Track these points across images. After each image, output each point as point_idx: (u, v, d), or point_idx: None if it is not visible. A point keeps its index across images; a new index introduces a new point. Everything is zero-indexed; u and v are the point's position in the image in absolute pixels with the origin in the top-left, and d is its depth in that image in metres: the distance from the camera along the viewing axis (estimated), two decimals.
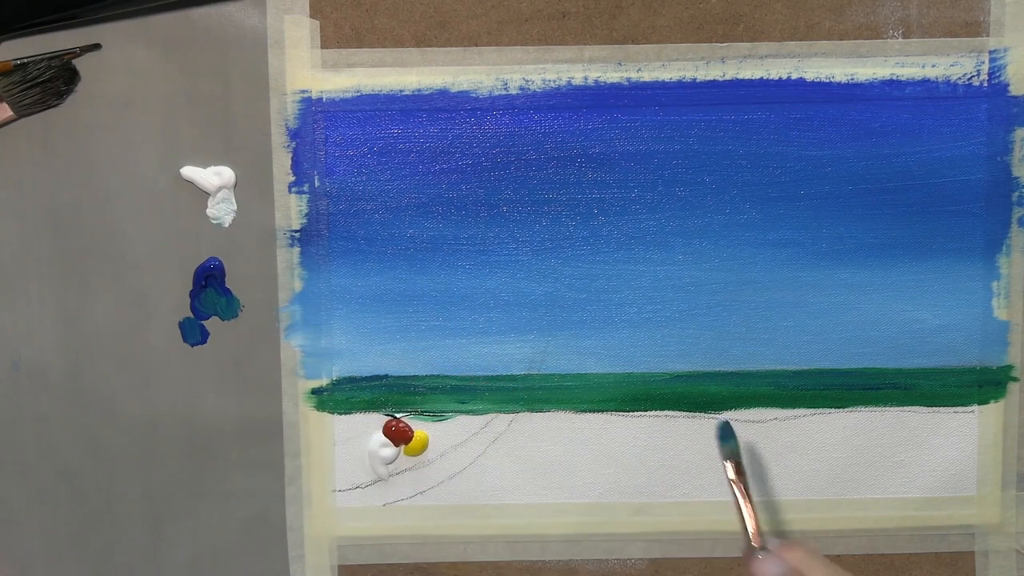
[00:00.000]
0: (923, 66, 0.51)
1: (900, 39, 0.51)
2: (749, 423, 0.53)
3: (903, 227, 0.52)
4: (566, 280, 0.52)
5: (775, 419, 0.53)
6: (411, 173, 0.52)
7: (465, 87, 0.51)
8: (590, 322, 0.52)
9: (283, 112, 0.51)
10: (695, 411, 0.53)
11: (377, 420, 0.53)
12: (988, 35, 0.51)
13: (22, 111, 0.51)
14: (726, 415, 0.52)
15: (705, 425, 0.53)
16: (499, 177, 0.52)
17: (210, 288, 0.52)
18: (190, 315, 0.52)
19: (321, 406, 0.53)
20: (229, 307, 0.52)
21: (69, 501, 0.54)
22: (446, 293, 0.52)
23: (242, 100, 0.51)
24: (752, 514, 0.47)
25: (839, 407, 0.53)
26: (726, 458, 0.49)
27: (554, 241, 0.52)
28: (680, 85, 0.51)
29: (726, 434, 0.50)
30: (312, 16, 0.51)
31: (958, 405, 0.53)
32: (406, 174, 0.52)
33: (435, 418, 0.53)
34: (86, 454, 0.53)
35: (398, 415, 0.53)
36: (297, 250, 0.52)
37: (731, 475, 0.49)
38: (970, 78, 0.51)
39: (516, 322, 0.52)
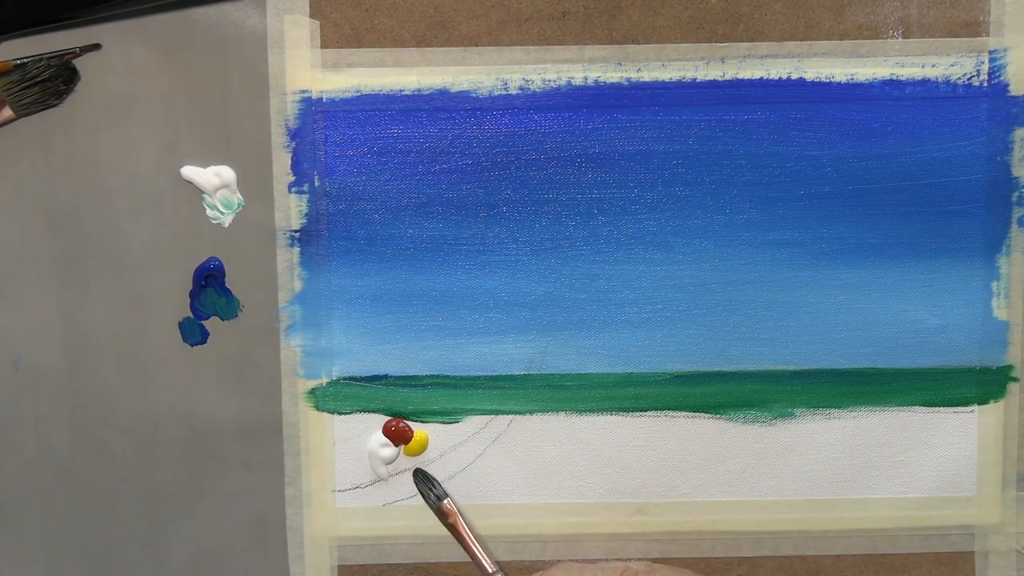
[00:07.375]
0: (923, 66, 0.51)
1: (900, 39, 0.51)
2: (748, 423, 0.53)
3: (903, 227, 0.52)
4: (566, 280, 0.52)
5: (775, 419, 0.53)
6: (411, 173, 0.52)
7: (465, 87, 0.51)
8: (590, 322, 0.52)
9: (283, 112, 0.51)
10: (695, 411, 0.53)
11: (377, 420, 0.53)
12: (988, 35, 0.51)
13: (22, 111, 0.51)
14: (726, 415, 0.52)
15: (705, 425, 0.53)
16: (499, 177, 0.52)
17: (210, 288, 0.52)
18: (190, 315, 0.52)
19: (321, 406, 0.53)
20: (229, 307, 0.52)
21: (69, 501, 0.54)
22: (446, 293, 0.52)
23: (242, 100, 0.51)
24: (476, 544, 0.51)
25: (839, 407, 0.53)
26: (441, 498, 0.52)
27: (554, 241, 0.52)
28: (680, 85, 0.51)
29: (425, 480, 0.52)
30: (312, 16, 0.51)
31: (958, 405, 0.53)
32: (406, 174, 0.52)
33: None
34: (86, 454, 0.53)
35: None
36: (297, 250, 0.52)
37: (451, 512, 0.52)
38: (970, 78, 0.51)
39: (516, 322, 0.52)
